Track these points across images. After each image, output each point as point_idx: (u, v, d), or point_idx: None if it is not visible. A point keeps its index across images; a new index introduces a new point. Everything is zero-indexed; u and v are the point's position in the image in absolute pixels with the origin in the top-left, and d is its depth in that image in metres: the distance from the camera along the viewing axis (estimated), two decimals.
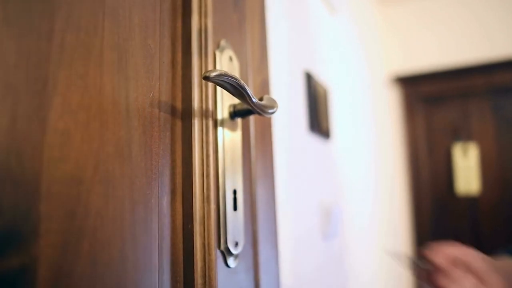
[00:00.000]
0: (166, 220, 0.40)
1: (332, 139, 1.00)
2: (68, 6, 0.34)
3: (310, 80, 0.85)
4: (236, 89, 0.39)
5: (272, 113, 0.43)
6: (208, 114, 0.43)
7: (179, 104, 0.43)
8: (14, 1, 0.30)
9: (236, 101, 0.46)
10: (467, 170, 1.95)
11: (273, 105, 0.44)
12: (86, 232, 0.33)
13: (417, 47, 2.12)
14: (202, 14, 0.43)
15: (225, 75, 0.37)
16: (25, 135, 0.30)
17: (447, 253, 0.49)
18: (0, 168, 0.27)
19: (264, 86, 0.55)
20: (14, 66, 0.30)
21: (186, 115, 0.42)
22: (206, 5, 0.44)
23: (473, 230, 1.92)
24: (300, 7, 0.87)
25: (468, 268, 0.47)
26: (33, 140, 0.31)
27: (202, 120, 0.42)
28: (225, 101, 0.46)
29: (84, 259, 0.33)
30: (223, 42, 0.47)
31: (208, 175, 0.42)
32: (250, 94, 0.39)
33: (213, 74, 0.37)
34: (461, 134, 2.00)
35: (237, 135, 0.47)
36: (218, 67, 0.45)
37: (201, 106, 0.42)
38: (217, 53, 0.45)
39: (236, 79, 0.38)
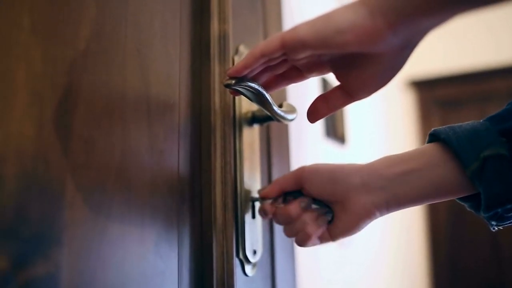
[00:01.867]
0: (186, 228, 0.40)
1: (347, 145, 0.99)
2: (92, 14, 0.34)
3: (326, 85, 0.85)
4: (256, 96, 0.39)
5: (292, 119, 0.43)
6: (227, 121, 0.43)
7: (198, 111, 0.43)
8: (41, 10, 0.30)
9: (254, 107, 0.46)
10: None
11: (293, 111, 0.43)
12: (108, 239, 0.33)
13: (433, 49, 2.09)
14: (221, 19, 0.43)
15: (247, 81, 0.37)
16: (51, 142, 0.30)
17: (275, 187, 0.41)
18: (28, 175, 0.28)
19: (282, 92, 0.55)
20: (41, 74, 0.30)
21: (206, 122, 0.42)
22: (225, 11, 0.44)
23: (490, 233, 1.88)
24: (316, 10, 0.87)
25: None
26: (59, 147, 0.31)
27: (221, 126, 0.42)
28: (244, 108, 0.46)
29: (105, 266, 0.33)
30: (241, 47, 0.47)
31: (227, 183, 0.41)
32: (270, 101, 0.39)
33: (234, 81, 0.36)
34: None
35: (255, 141, 0.46)
36: None
37: (221, 113, 0.42)
38: (236, 59, 0.45)
39: (257, 86, 0.37)
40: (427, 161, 0.36)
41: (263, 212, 0.41)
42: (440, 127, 0.38)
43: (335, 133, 0.86)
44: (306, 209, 0.39)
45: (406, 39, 0.30)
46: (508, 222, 0.36)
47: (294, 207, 0.38)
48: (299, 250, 0.67)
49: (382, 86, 0.35)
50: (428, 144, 0.38)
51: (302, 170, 0.40)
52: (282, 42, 0.32)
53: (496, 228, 0.37)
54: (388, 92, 1.75)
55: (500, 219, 0.35)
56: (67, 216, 0.31)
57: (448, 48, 2.07)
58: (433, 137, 0.38)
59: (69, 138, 0.32)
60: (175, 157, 0.40)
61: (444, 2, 0.28)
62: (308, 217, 0.38)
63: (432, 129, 0.38)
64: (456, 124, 0.38)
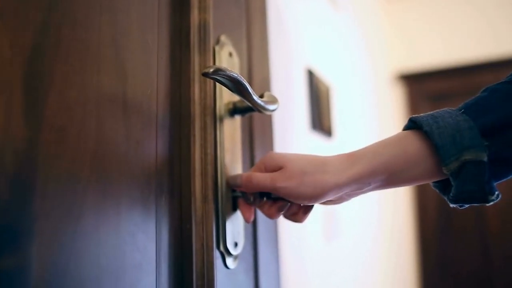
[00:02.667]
0: (164, 220, 0.40)
1: (334, 138, 0.99)
2: (64, 0, 0.33)
3: (312, 77, 0.84)
4: (235, 85, 0.38)
5: (273, 110, 0.42)
6: (208, 112, 0.42)
7: (177, 101, 0.42)
8: None
9: (235, 98, 0.46)
10: None
11: (274, 102, 0.43)
12: (81, 231, 0.33)
13: (422, 44, 2.10)
14: (202, 8, 0.42)
15: (225, 71, 0.36)
16: (20, 132, 0.29)
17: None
18: None
19: (265, 83, 0.54)
20: (9, 61, 0.29)
21: (185, 112, 0.42)
22: (205, 0, 0.43)
23: (479, 230, 1.90)
24: (302, 2, 0.86)
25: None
26: (29, 137, 0.30)
27: (201, 117, 0.41)
28: (225, 98, 0.45)
29: (79, 259, 0.32)
30: (222, 38, 0.46)
31: (207, 174, 0.41)
32: (250, 91, 0.38)
33: (212, 70, 0.36)
34: None
35: (237, 133, 0.46)
36: (217, 63, 0.44)
37: (200, 103, 0.42)
38: (217, 49, 0.45)
39: (236, 75, 0.37)
40: (408, 160, 0.36)
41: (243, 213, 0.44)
42: (422, 115, 0.38)
43: (322, 126, 0.85)
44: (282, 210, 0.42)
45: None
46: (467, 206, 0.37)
47: (273, 212, 0.42)
48: (284, 243, 0.67)
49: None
50: (408, 134, 0.38)
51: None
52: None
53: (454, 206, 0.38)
54: (377, 85, 1.75)
55: (461, 206, 0.36)
56: (38, 207, 0.30)
57: (437, 42, 2.08)
58: (413, 124, 0.38)
59: (39, 127, 0.31)
60: (152, 147, 0.39)
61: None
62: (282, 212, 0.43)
63: (413, 115, 0.38)
64: (437, 113, 0.37)
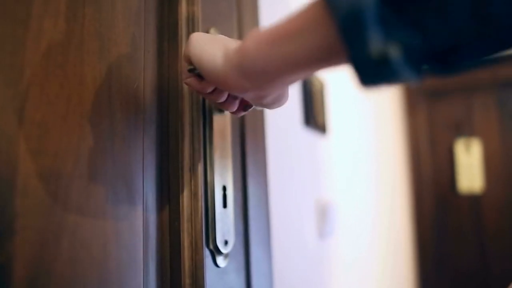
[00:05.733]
0: (152, 217, 0.39)
1: (328, 134, 0.98)
2: None
3: None
4: None
5: (264, 106, 0.41)
6: (196, 107, 0.41)
7: (165, 96, 0.41)
8: None
9: None
10: (470, 167, 1.92)
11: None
12: (65, 229, 0.32)
13: None
14: (190, 1, 0.41)
15: None
16: (0, 127, 0.28)
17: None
18: None
19: None
20: None
21: (173, 107, 0.41)
22: None
23: (476, 228, 1.90)
24: None
25: None
26: (9, 132, 0.29)
27: (190, 112, 0.40)
28: None
29: (63, 258, 0.31)
30: (212, 31, 0.45)
31: (196, 171, 0.40)
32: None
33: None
34: (464, 129, 1.97)
35: (227, 128, 0.45)
36: None
37: (189, 98, 0.41)
38: None
39: None
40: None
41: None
42: None
43: (315, 121, 0.84)
44: None
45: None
46: None
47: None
48: (276, 240, 0.66)
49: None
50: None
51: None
52: None
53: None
54: None
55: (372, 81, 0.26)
56: (19, 204, 0.29)
57: None
58: None
59: (20, 122, 0.30)
60: (139, 143, 0.38)
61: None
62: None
63: None
64: None
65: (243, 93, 0.32)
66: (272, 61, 0.29)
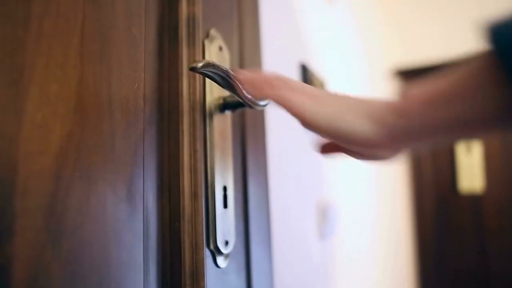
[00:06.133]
0: (152, 218, 0.39)
1: None
2: None
3: (305, 73, 0.83)
4: (225, 80, 0.37)
5: (264, 106, 0.41)
6: (197, 107, 0.41)
7: (165, 96, 0.41)
8: None
9: (226, 93, 0.44)
10: (471, 167, 1.92)
11: (265, 97, 0.42)
12: (65, 230, 0.32)
13: (419, 39, 2.08)
14: (191, 1, 0.41)
15: (213, 65, 0.35)
16: (1, 128, 0.28)
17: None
18: None
19: None
20: None
21: (173, 107, 0.41)
22: None
23: (477, 229, 1.90)
24: None
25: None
26: (9, 133, 0.29)
27: (190, 113, 0.40)
28: (215, 93, 0.44)
29: (63, 259, 0.31)
30: (212, 32, 0.45)
31: (196, 171, 0.40)
32: (240, 86, 0.37)
33: (200, 64, 0.35)
34: None
35: (227, 129, 0.45)
36: (207, 57, 0.43)
37: (189, 99, 0.41)
38: (206, 43, 0.43)
39: (225, 70, 0.36)
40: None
41: None
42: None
43: None
44: None
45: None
46: None
47: None
48: (276, 241, 0.66)
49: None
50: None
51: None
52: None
53: None
54: (373, 80, 1.74)
55: None
56: (18, 205, 0.29)
57: (434, 37, 2.07)
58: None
59: (20, 123, 0.30)
60: (139, 144, 0.38)
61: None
62: None
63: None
64: None
65: (375, 150, 0.33)
66: (438, 122, 0.29)
